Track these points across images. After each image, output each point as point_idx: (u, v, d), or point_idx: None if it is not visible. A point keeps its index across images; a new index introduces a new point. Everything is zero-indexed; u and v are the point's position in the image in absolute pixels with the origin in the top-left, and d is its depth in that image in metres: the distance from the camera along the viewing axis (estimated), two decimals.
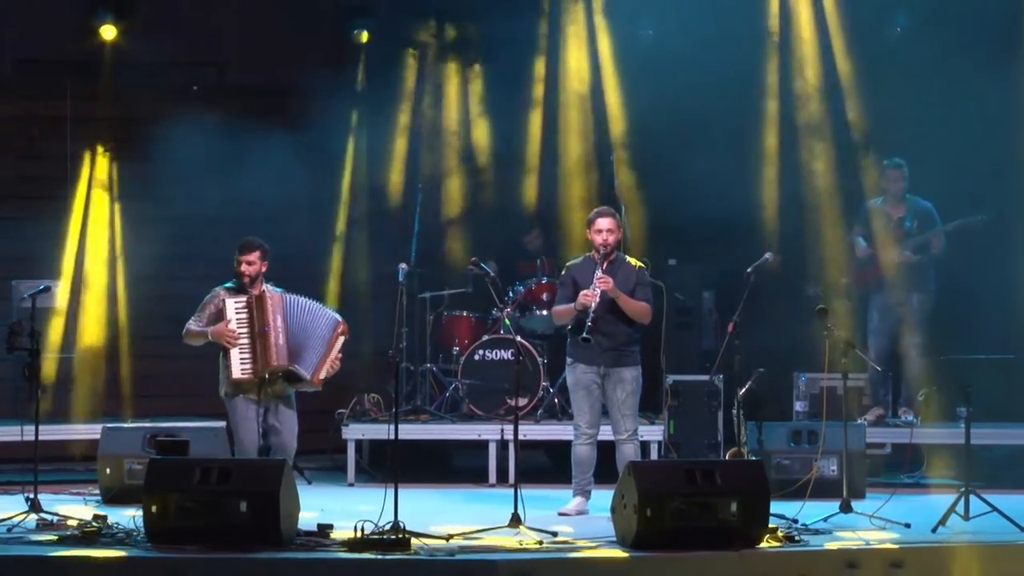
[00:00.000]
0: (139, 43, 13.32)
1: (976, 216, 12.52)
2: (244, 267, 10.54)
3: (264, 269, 10.60)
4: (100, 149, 13.50)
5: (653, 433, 12.29)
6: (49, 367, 12.63)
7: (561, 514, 10.58)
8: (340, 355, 10.65)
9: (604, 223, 10.66)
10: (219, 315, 10.53)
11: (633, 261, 10.80)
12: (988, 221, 12.49)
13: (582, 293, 10.57)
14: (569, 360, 10.82)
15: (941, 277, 12.80)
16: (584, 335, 10.51)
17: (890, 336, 12.68)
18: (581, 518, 10.56)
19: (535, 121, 14.18)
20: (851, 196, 13.25)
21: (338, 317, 10.74)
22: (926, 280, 12.69)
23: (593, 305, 10.49)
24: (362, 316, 13.42)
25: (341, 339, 10.64)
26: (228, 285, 10.62)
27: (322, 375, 10.59)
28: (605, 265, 10.64)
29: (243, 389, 10.46)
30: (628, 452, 10.60)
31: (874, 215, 12.86)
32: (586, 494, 10.74)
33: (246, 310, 10.46)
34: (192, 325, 10.57)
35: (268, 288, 10.60)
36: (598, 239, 10.67)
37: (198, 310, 10.60)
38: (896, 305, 12.66)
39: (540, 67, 14.17)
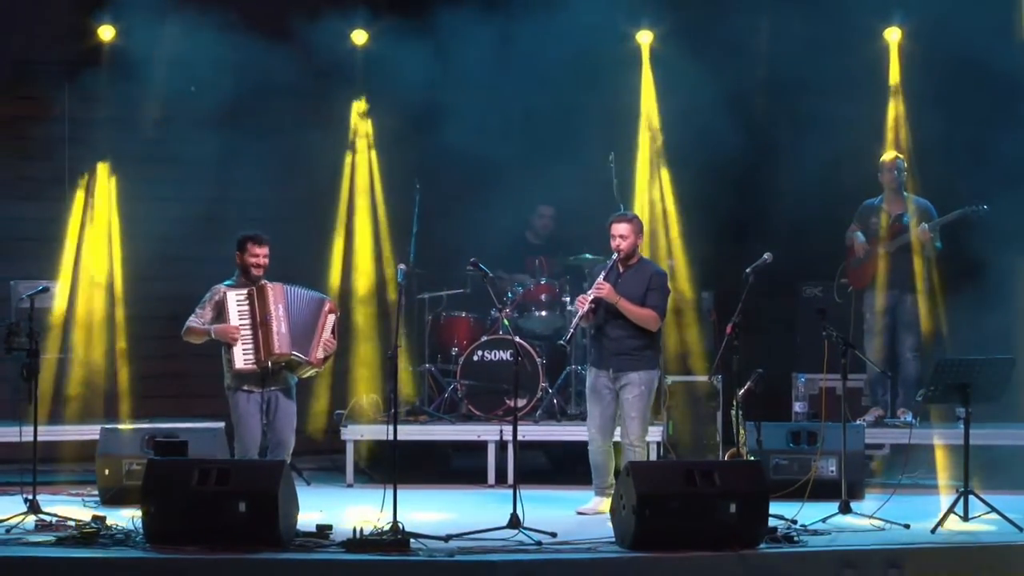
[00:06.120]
0: (137, 43, 13.30)
1: (975, 206, 12.48)
2: (261, 260, 10.52)
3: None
4: (99, 150, 13.47)
5: (652, 433, 12.26)
6: (47, 368, 12.60)
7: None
8: (334, 333, 10.64)
9: (618, 228, 10.82)
10: (220, 311, 10.49)
11: (664, 267, 10.86)
12: (988, 211, 12.43)
13: (578, 298, 10.81)
14: (588, 364, 11.00)
15: (941, 277, 12.80)
16: (562, 340, 10.90)
17: (884, 336, 12.65)
18: (580, 518, 10.58)
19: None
20: (859, 195, 13.23)
21: (325, 296, 10.83)
22: (918, 280, 12.66)
23: (582, 311, 10.65)
24: (362, 317, 13.44)
25: (331, 317, 10.63)
26: (229, 283, 10.58)
27: (320, 354, 10.56)
28: (622, 269, 10.78)
29: (246, 380, 10.44)
30: (631, 458, 10.58)
31: (872, 213, 12.84)
32: (606, 494, 10.73)
33: (247, 301, 10.43)
34: (193, 322, 10.50)
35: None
36: (612, 244, 10.82)
37: (198, 307, 10.53)
38: (891, 306, 12.64)
39: None
